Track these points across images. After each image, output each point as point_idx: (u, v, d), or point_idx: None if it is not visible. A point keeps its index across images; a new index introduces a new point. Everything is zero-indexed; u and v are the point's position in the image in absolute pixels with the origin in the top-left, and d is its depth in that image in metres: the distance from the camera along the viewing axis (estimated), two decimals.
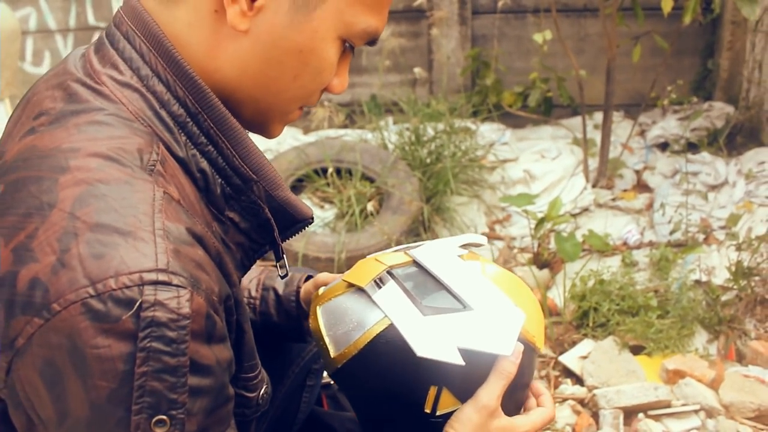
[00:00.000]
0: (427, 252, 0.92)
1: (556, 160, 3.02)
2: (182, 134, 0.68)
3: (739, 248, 2.21)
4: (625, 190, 3.04)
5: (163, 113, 0.67)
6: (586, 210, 2.86)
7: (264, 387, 0.79)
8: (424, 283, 0.87)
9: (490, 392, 0.82)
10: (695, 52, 3.67)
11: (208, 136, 0.69)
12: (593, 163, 3.12)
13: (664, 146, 3.42)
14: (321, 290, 0.95)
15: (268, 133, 0.79)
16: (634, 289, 2.23)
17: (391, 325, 0.83)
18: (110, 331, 0.56)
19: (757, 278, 2.18)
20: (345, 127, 3.38)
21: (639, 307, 2.15)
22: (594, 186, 2.99)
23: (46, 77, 0.73)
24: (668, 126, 3.45)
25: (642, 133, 3.57)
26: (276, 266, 0.87)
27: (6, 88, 3.33)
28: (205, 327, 0.60)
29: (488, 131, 3.32)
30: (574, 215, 2.82)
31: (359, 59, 3.62)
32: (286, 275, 0.88)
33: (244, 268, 0.79)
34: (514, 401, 0.90)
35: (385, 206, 2.62)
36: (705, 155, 3.06)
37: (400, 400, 0.85)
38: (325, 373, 1.17)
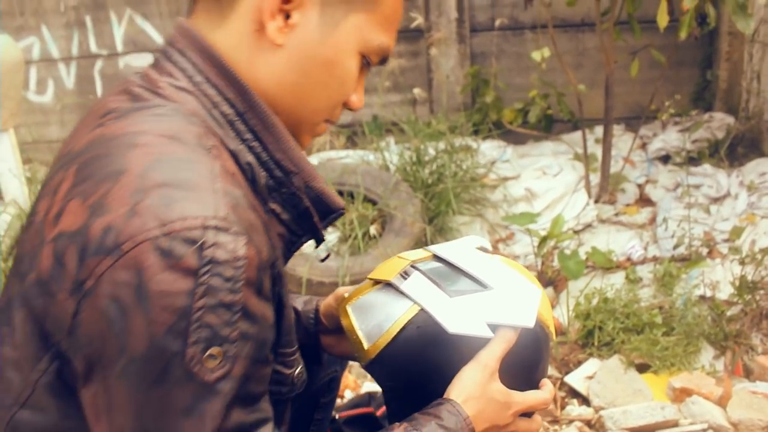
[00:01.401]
0: (445, 247, 0.98)
1: (558, 177, 3.03)
2: (231, 131, 0.76)
3: (742, 262, 2.21)
4: (627, 205, 3.04)
5: (215, 112, 0.76)
6: (589, 226, 2.87)
7: (300, 367, 0.85)
8: (446, 272, 0.93)
9: (490, 353, 0.87)
10: (694, 63, 3.68)
11: (254, 133, 0.77)
12: (595, 178, 3.12)
13: (665, 159, 3.42)
14: (347, 293, 0.98)
15: (298, 143, 0.85)
16: (638, 306, 2.23)
17: (420, 311, 0.89)
18: (174, 267, 0.62)
19: (761, 292, 2.18)
20: (346, 148, 3.40)
21: (644, 325, 2.15)
22: (596, 201, 3.00)
23: (106, 93, 0.83)
24: (669, 138, 3.46)
25: (643, 146, 3.57)
26: (316, 249, 0.94)
27: (10, 118, 3.36)
28: (256, 278, 0.66)
29: (489, 149, 3.33)
30: (577, 231, 2.83)
31: None
32: (328, 256, 0.96)
33: (284, 260, 0.85)
34: (527, 381, 0.93)
35: (388, 228, 2.63)
36: (707, 167, 3.06)
37: (434, 383, 0.88)
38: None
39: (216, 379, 0.64)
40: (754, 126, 3.35)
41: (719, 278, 2.36)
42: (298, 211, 0.82)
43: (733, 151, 3.37)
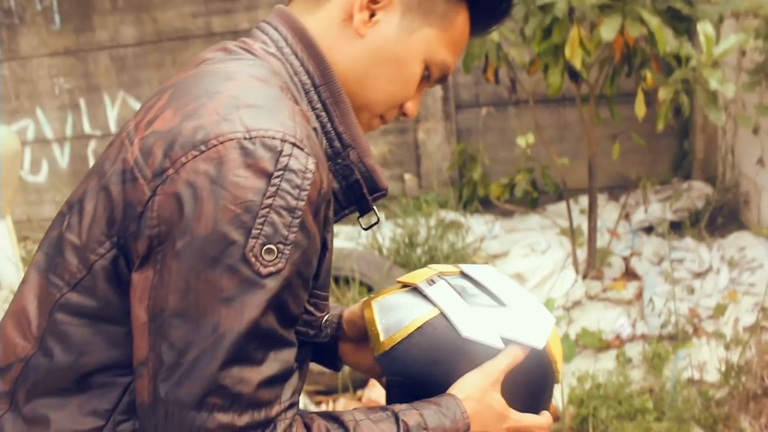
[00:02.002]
0: (473, 267, 1.03)
1: (546, 254, 3.12)
2: (305, 98, 0.85)
3: (727, 347, 2.29)
4: (614, 279, 3.13)
5: (295, 79, 0.85)
6: (578, 303, 2.95)
7: (328, 314, 0.90)
8: (470, 287, 0.98)
9: (496, 364, 0.91)
10: (671, 132, 3.83)
11: (324, 104, 0.86)
12: (582, 253, 3.21)
13: (649, 229, 3.53)
14: (375, 294, 1.04)
15: None
16: (630, 390, 2.30)
17: (439, 315, 0.93)
18: (252, 166, 0.70)
19: (748, 375, 2.25)
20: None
21: (636, 411, 2.21)
22: (584, 277, 3.09)
23: (201, 52, 0.93)
24: (651, 209, 3.57)
25: (627, 216, 3.68)
26: (359, 221, 1.00)
27: (6, 205, 3.41)
28: (316, 199, 0.73)
29: (478, 224, 3.42)
30: (566, 309, 2.91)
31: None
32: (378, 221, 1.00)
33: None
34: (528, 404, 0.96)
35: None
36: (689, 241, 3.16)
37: (438, 383, 0.92)
38: None
39: (268, 273, 0.70)
40: (731, 197, 3.48)
41: (706, 358, 2.43)
42: (348, 182, 0.89)
43: (713, 221, 3.48)
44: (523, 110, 3.60)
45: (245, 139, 0.70)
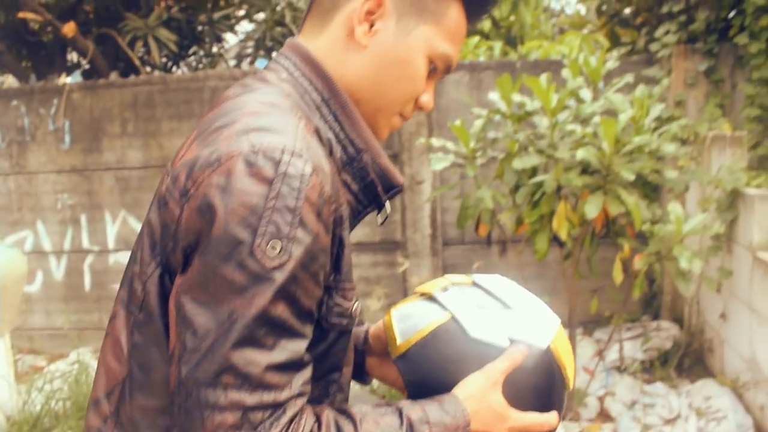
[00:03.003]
0: (484, 277, 1.11)
1: None
2: (317, 112, 0.95)
3: None
4: (590, 420, 3.32)
5: (306, 97, 0.95)
6: None
7: (357, 301, 0.96)
8: (480, 294, 1.06)
9: (496, 365, 0.96)
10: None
11: (334, 116, 0.95)
12: None
13: (623, 368, 3.76)
14: (395, 304, 1.15)
15: (378, 132, 1.03)
16: None
17: (451, 318, 1.00)
18: (255, 175, 0.80)
19: None
20: None
21: None
22: (563, 419, 3.27)
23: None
24: (623, 348, 3.81)
25: (600, 353, 3.91)
26: (377, 217, 1.08)
27: (6, 325, 3.51)
28: (316, 200, 0.82)
29: None
30: None
31: None
32: (386, 218, 1.09)
33: (351, 226, 0.99)
34: (534, 405, 0.99)
35: None
36: (659, 386, 3.39)
37: (449, 382, 0.98)
38: None
39: (273, 267, 0.78)
40: (697, 342, 3.74)
41: None
42: (365, 182, 0.97)
43: (681, 363, 3.73)
44: (507, 248, 3.87)
45: (249, 153, 0.81)
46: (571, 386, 1.04)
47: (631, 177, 2.54)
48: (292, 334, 0.81)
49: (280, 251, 0.78)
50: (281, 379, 0.80)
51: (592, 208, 2.62)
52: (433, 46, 0.97)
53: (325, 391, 0.94)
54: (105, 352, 0.96)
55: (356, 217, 0.99)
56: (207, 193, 0.80)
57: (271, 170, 0.80)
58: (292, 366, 0.81)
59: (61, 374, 3.77)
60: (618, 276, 2.79)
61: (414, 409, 0.90)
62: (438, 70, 1.01)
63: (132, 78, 4.39)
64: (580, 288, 3.32)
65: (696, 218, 2.73)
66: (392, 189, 1.00)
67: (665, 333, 3.91)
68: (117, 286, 4.43)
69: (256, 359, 0.78)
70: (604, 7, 4.76)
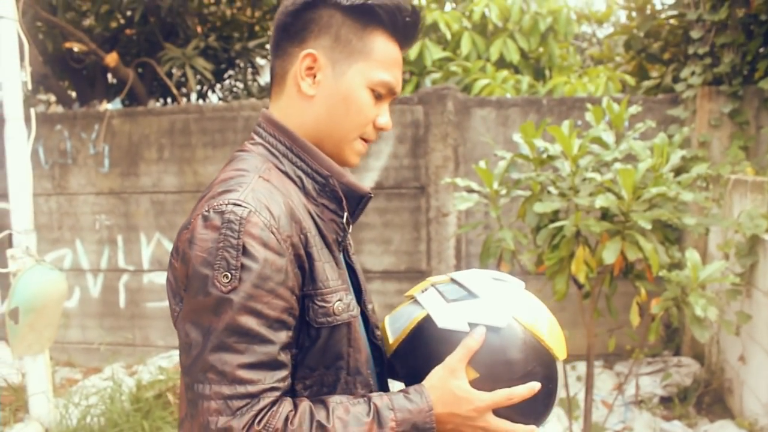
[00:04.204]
0: (462, 274, 1.24)
1: (544, 428, 3.37)
2: (285, 160, 1.15)
3: None
4: None
5: (274, 150, 1.16)
6: None
7: (338, 302, 1.12)
8: (454, 289, 1.20)
9: (454, 356, 1.10)
10: None
11: (299, 157, 1.15)
12: (577, 426, 3.46)
13: (641, 402, 3.79)
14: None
15: (346, 160, 1.20)
16: None
17: (428, 315, 1.16)
18: (208, 225, 1.01)
19: None
20: None
21: None
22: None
23: None
24: (642, 382, 3.85)
25: (619, 387, 3.96)
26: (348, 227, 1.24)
27: (47, 342, 3.67)
28: (258, 234, 1.01)
29: None
30: None
31: None
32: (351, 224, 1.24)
33: (339, 243, 1.18)
34: (508, 379, 1.10)
35: None
36: (677, 425, 3.42)
37: (429, 371, 1.12)
38: None
39: (228, 290, 0.99)
40: (717, 381, 3.76)
41: None
42: (338, 201, 1.16)
43: (701, 400, 3.75)
44: (527, 281, 3.93)
45: (206, 211, 1.03)
46: (559, 355, 1.15)
47: (648, 226, 2.60)
48: (262, 340, 1.01)
49: (231, 279, 0.99)
50: (254, 375, 1.00)
51: (610, 254, 2.68)
52: (369, 78, 1.15)
53: (336, 376, 1.13)
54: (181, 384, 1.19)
55: (344, 230, 1.18)
56: (182, 246, 1.04)
57: (218, 221, 1.01)
58: (263, 366, 1.01)
59: (96, 390, 3.92)
60: (635, 319, 2.85)
61: (381, 399, 1.07)
62: (383, 95, 1.18)
63: (169, 106, 4.56)
64: (599, 324, 3.37)
65: (713, 265, 2.78)
66: (362, 199, 1.19)
67: (686, 369, 3.94)
68: (150, 304, 4.62)
69: (229, 360, 0.99)
70: (632, 42, 4.82)
